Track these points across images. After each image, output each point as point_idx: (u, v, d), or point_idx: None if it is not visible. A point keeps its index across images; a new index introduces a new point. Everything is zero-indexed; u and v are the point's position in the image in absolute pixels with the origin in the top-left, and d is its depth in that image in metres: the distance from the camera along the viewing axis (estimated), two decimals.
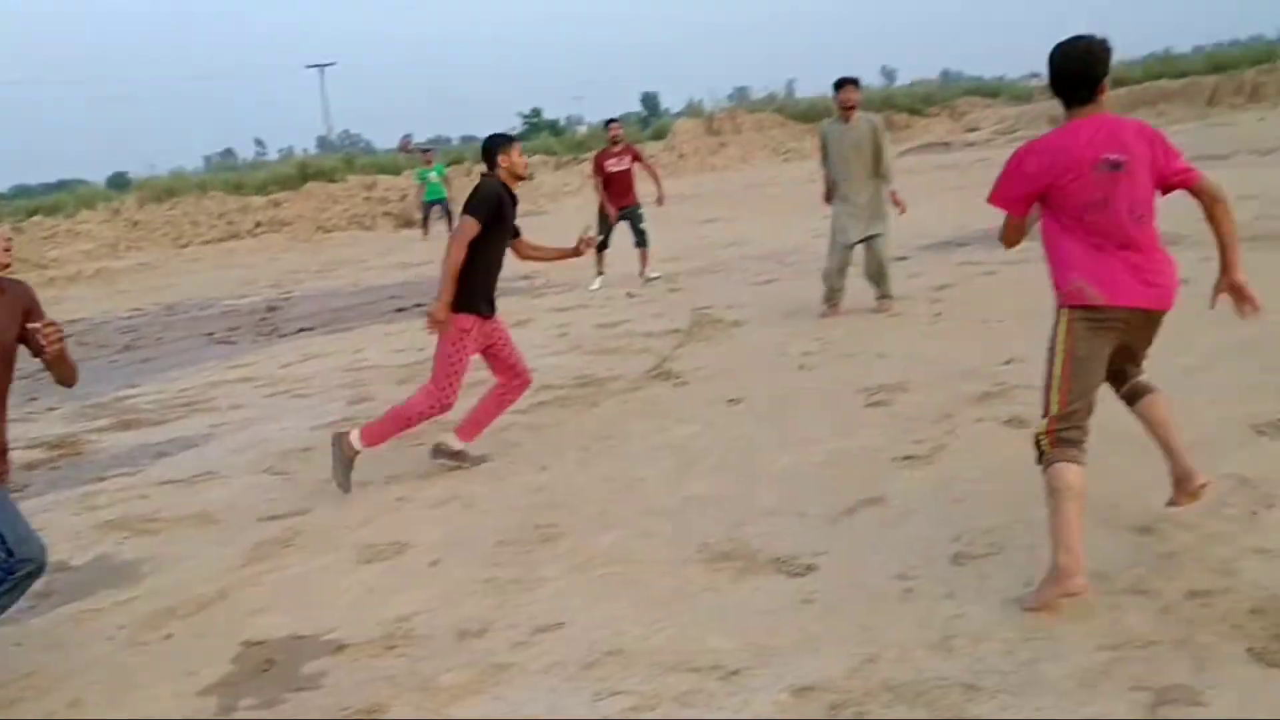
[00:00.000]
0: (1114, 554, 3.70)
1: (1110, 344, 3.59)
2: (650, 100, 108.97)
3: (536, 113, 59.36)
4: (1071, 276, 3.57)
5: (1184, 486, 3.71)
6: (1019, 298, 8.26)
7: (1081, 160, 3.45)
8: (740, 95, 59.33)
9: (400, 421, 5.50)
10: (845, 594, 3.70)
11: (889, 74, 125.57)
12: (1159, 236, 3.55)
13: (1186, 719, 2.77)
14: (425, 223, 22.87)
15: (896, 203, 8.55)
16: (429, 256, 18.31)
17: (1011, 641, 3.23)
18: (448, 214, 22.98)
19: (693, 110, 42.92)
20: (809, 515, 4.43)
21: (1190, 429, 4.69)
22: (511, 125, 56.70)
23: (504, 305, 5.85)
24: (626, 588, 4.00)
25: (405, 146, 44.00)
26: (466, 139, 60.50)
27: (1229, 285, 3.57)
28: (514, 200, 5.58)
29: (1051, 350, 3.62)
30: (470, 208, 5.44)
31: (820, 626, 3.50)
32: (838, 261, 8.54)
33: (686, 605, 3.79)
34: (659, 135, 40.54)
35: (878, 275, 8.65)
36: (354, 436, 5.41)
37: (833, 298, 8.61)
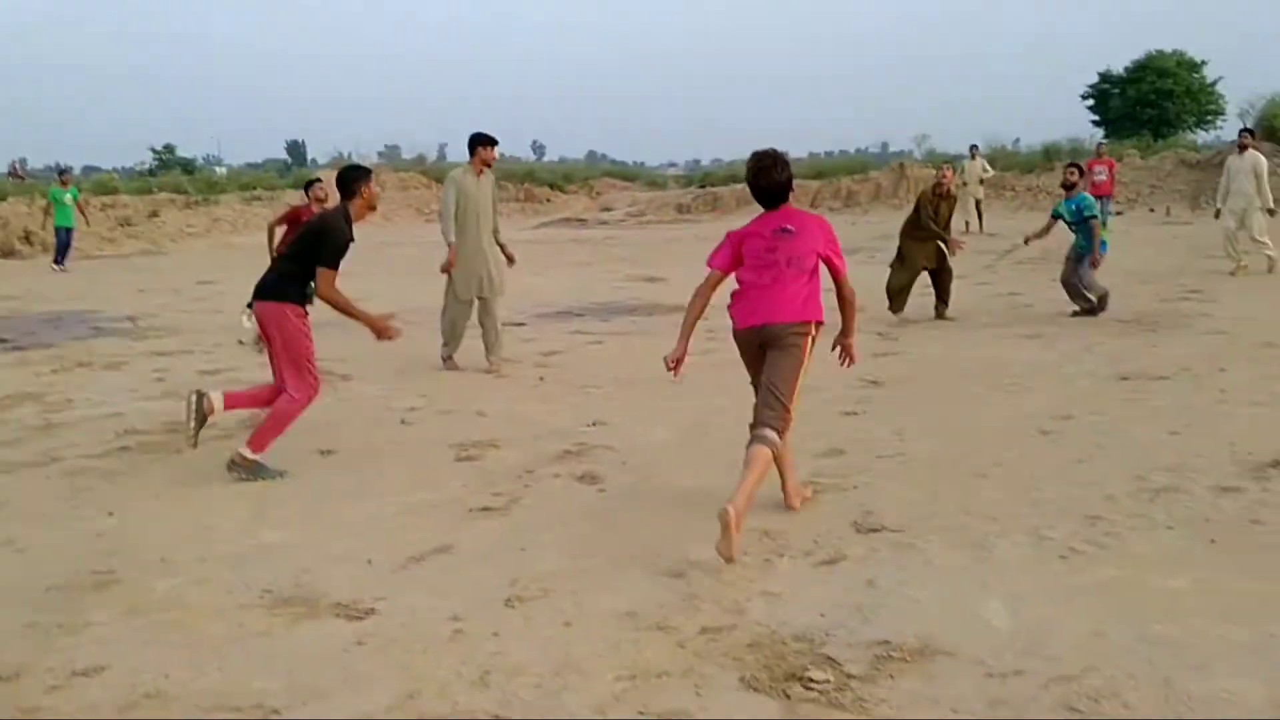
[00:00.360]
0: (647, 594, 4.08)
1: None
2: (295, 148, 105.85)
3: (170, 149, 55.96)
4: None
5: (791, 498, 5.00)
6: (619, 367, 8.86)
7: (762, 231, 4.86)
8: (391, 154, 59.03)
9: (285, 421, 5.86)
10: (398, 635, 3.82)
11: (538, 149, 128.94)
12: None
13: None
14: (63, 252, 20.97)
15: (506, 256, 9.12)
16: (23, 290, 16.81)
17: (543, 675, 3.47)
18: (68, 245, 21.22)
19: (336, 163, 42.20)
20: (378, 562, 4.52)
21: (724, 492, 5.27)
22: (141, 160, 53.27)
23: (100, 347, 5.57)
24: (177, 632, 3.90)
25: (15, 172, 40.29)
26: (89, 169, 56.18)
27: (844, 343, 5.10)
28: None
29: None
30: (329, 258, 5.94)
31: (369, 666, 3.60)
32: (455, 315, 8.87)
33: (238, 649, 3.76)
34: (298, 184, 39.54)
35: (490, 337, 8.98)
36: (244, 450, 5.72)
37: (451, 349, 8.92)
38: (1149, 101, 48.57)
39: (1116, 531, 4.55)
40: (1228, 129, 47.30)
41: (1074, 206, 10.93)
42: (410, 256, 22.01)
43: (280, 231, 11.00)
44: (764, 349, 4.83)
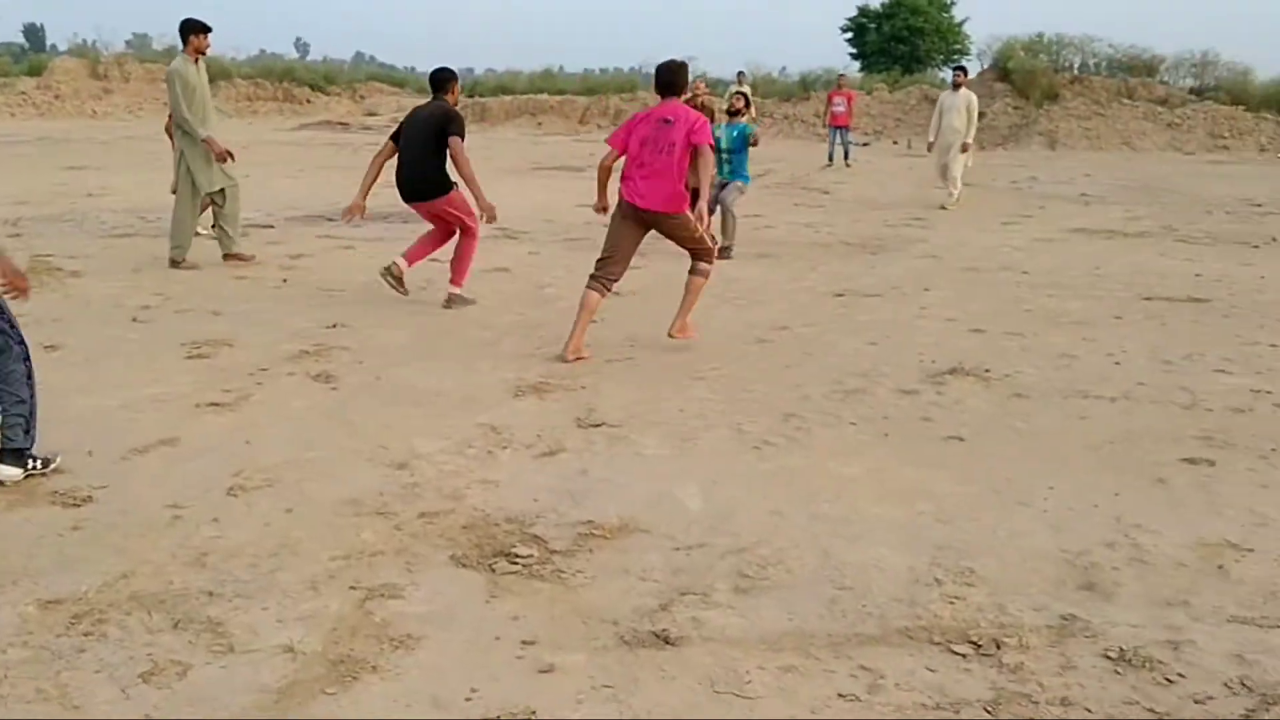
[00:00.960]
0: (371, 484, 4.26)
1: (632, 225, 6.35)
2: (33, 32, 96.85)
3: None
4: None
5: (674, 328, 6.56)
6: (366, 271, 8.85)
7: (650, 119, 6.26)
8: (140, 43, 54.81)
9: (470, 261, 7.83)
10: (116, 521, 3.86)
11: (302, 47, 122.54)
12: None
13: (389, 611, 3.34)
14: None
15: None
16: None
17: (259, 556, 3.62)
18: None
19: (79, 50, 39.01)
20: (99, 453, 4.50)
21: (465, 389, 5.49)
22: None
23: None
24: None
25: None
26: None
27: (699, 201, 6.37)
28: None
29: None
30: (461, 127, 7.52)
31: (83, 550, 3.64)
32: (187, 212, 8.67)
33: None
34: (35, 71, 36.33)
35: (232, 227, 8.90)
36: (452, 289, 7.73)
37: (184, 249, 8.80)
38: (901, 38, 50.98)
39: (807, 427, 5.07)
40: (970, 68, 50.36)
41: (735, 134, 10.75)
42: (154, 151, 20.80)
43: None
44: (645, 224, 6.36)
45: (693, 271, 6.54)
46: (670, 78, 6.37)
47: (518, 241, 11.02)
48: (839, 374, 5.98)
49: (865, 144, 29.52)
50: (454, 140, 7.28)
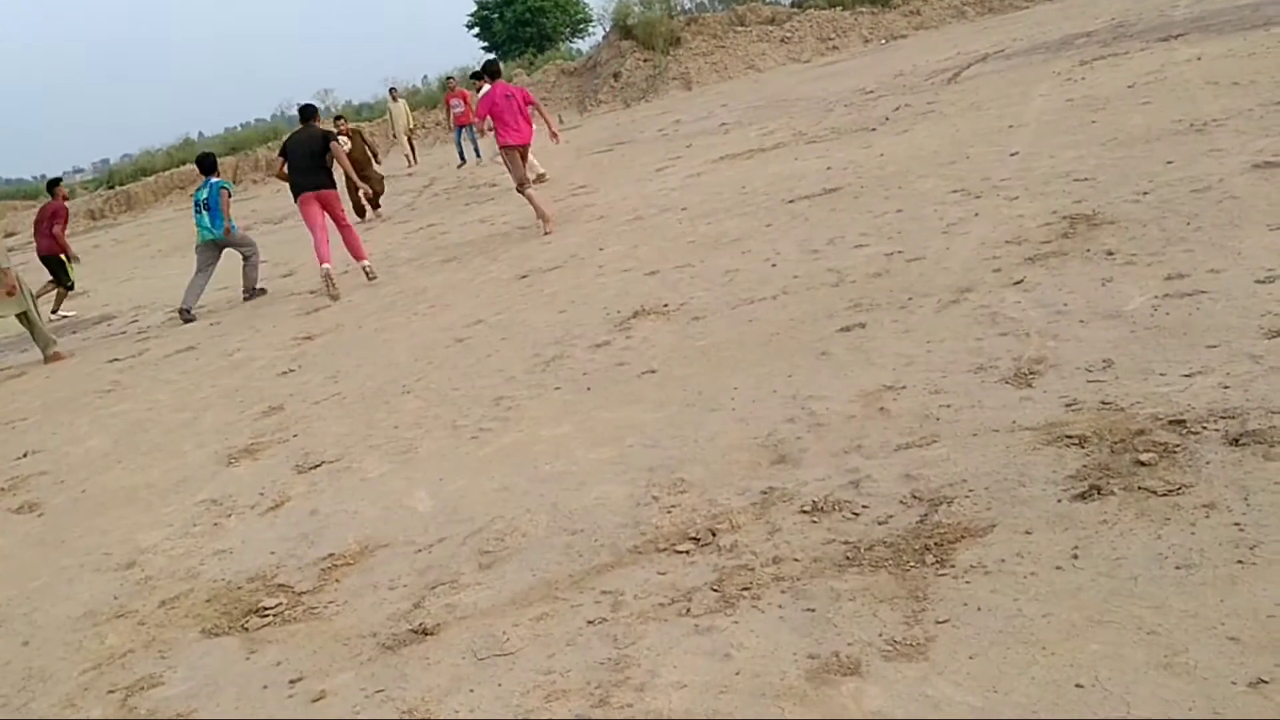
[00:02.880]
0: (102, 591, 4.20)
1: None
2: None
3: None
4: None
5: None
6: (50, 390, 8.41)
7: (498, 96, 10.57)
8: None
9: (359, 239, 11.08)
10: None
11: None
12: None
13: (153, 700, 3.36)
14: None
15: None
16: None
17: (7, 695, 3.54)
18: None
19: None
20: None
21: (177, 474, 5.42)
22: None
23: None
24: None
25: None
26: None
27: (553, 134, 11.44)
28: None
29: None
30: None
31: None
32: None
33: None
34: None
35: None
36: (365, 266, 10.61)
37: None
38: (526, 21, 52.00)
39: (517, 404, 5.34)
40: (598, 34, 52.08)
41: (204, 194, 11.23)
42: None
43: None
44: (519, 153, 10.93)
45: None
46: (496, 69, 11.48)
47: (197, 324, 10.69)
48: (536, 348, 6.29)
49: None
50: (334, 144, 10.51)
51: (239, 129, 54.31)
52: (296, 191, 10.45)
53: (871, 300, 5.69)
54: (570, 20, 54.29)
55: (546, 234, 10.52)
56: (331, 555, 4.06)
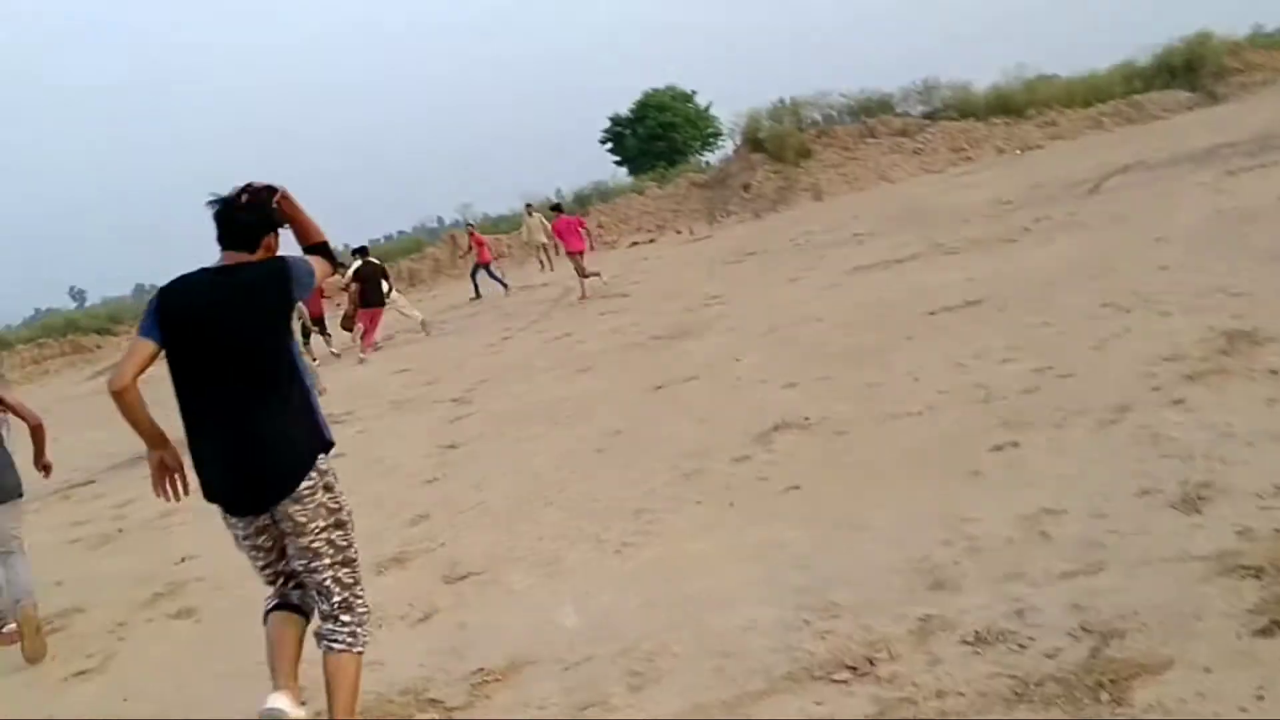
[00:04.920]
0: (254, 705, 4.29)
1: None
2: None
3: None
4: None
5: None
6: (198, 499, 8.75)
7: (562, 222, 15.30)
8: None
9: None
10: None
11: (78, 295, 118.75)
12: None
13: None
14: None
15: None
16: None
17: None
18: None
19: None
20: None
21: None
22: None
23: None
24: None
25: None
26: None
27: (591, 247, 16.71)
28: None
29: None
30: None
31: None
32: None
33: None
34: None
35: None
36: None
37: None
38: (657, 135, 53.36)
39: (658, 518, 5.34)
40: (729, 147, 53.10)
41: None
42: None
43: None
44: (578, 256, 17.21)
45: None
46: None
47: (342, 423, 11.04)
48: (676, 460, 6.30)
49: (651, 240, 30.67)
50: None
51: (382, 241, 56.78)
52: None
53: (1023, 418, 5.55)
54: (700, 134, 55.45)
55: (581, 298, 17.50)
56: (481, 670, 4.08)
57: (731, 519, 5.10)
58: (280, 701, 3.51)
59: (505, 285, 23.82)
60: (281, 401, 3.59)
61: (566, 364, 11.45)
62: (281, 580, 3.80)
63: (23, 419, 5.88)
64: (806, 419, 6.50)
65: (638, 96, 54.61)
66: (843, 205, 26.37)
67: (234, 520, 3.73)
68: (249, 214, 3.67)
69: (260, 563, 3.78)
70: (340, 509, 3.68)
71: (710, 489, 5.61)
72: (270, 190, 3.76)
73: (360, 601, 3.73)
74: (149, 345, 3.51)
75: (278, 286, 3.60)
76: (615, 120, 55.33)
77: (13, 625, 5.69)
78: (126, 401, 3.53)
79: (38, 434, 5.84)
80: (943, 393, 6.41)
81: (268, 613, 3.80)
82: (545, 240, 28.44)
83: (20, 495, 5.86)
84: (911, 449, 5.47)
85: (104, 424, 9.23)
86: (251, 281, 3.59)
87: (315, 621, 3.76)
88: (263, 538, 3.70)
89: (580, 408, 8.71)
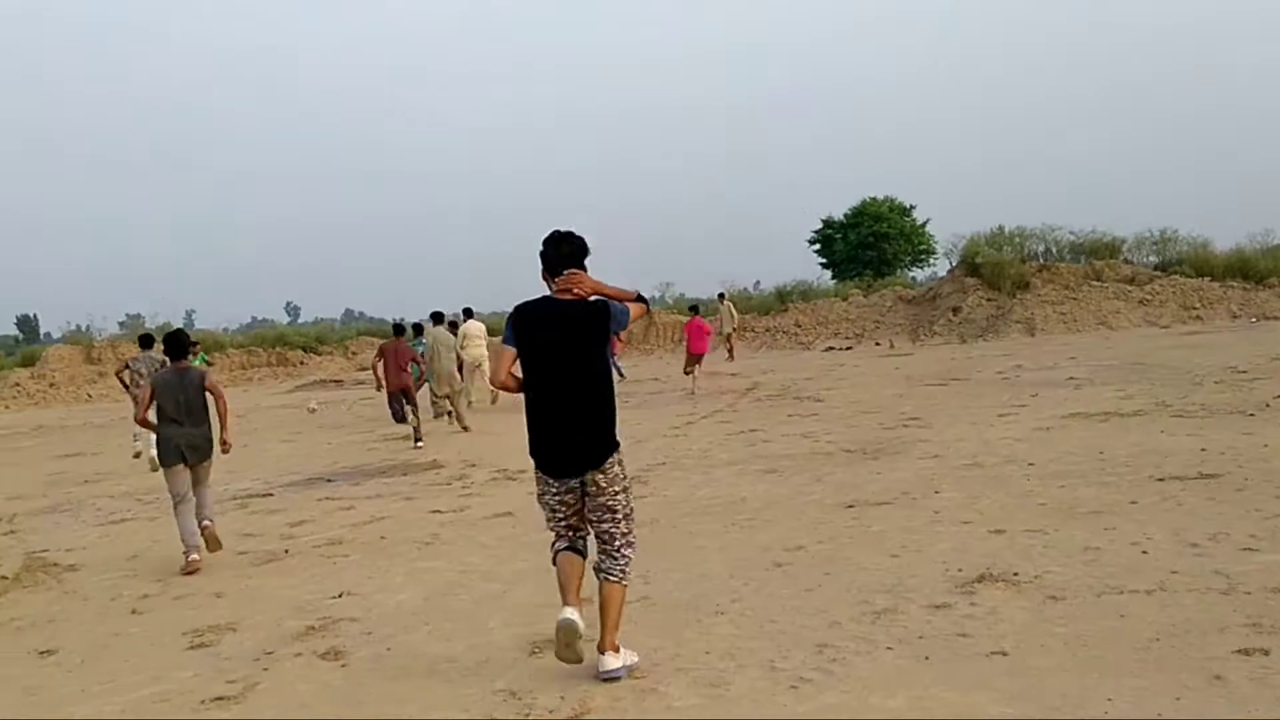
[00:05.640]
0: None
1: None
2: (27, 323, 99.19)
3: None
4: None
5: None
6: (369, 532, 8.71)
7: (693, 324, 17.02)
8: (134, 323, 56.02)
9: None
10: None
11: (293, 310, 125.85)
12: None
13: None
14: None
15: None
16: None
17: None
18: None
19: (73, 337, 39.62)
20: None
21: (479, 652, 5.25)
22: None
23: None
24: None
25: None
26: None
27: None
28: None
29: None
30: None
31: None
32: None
33: None
34: (28, 362, 36.87)
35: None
36: None
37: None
38: (868, 244, 52.78)
39: (842, 656, 4.83)
40: (939, 266, 51.98)
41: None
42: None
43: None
44: (697, 359, 19.59)
45: None
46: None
47: (517, 482, 10.92)
48: (865, 593, 5.78)
49: (848, 348, 30.03)
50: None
51: None
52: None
53: (1274, 621, 4.82)
54: (912, 249, 54.59)
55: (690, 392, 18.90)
56: None
57: (926, 676, 4.55)
58: (573, 614, 4.74)
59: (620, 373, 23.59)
60: (600, 404, 4.94)
61: (749, 462, 11.03)
62: (569, 530, 5.01)
63: (216, 398, 8.25)
64: (1015, 574, 5.88)
65: (854, 203, 54.29)
66: (1056, 344, 25.16)
67: (551, 481, 4.95)
68: (578, 254, 5.04)
69: (559, 514, 4.99)
70: (627, 481, 5.05)
71: (902, 636, 5.07)
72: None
73: (631, 548, 5.05)
74: (511, 351, 5.04)
75: (604, 320, 4.95)
76: (828, 223, 55.09)
77: (195, 556, 7.84)
78: (508, 388, 5.10)
79: (224, 414, 8.28)
80: (1175, 573, 5.70)
81: (557, 553, 5.02)
82: (733, 330, 28.50)
83: (211, 456, 8.34)
84: (1139, 634, 4.81)
85: (293, 438, 9.36)
86: (585, 312, 4.95)
87: (593, 559, 5.04)
88: (570, 496, 4.94)
89: (761, 512, 8.27)
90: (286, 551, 8.27)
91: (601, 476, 4.87)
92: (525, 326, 4.97)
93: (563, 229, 5.09)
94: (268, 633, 5.96)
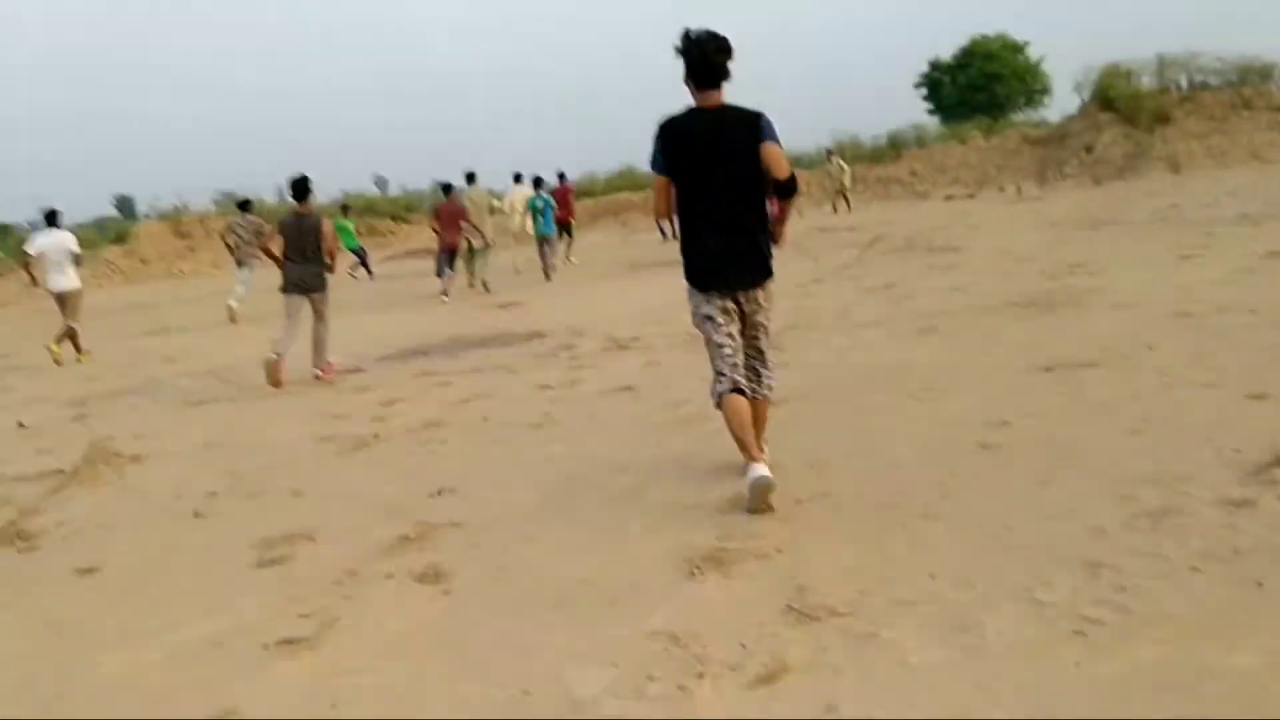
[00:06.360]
0: None
1: None
2: (125, 203, 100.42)
3: None
4: None
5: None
6: (468, 412, 7.53)
7: None
8: (226, 199, 55.67)
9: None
10: None
11: (381, 183, 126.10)
12: None
13: None
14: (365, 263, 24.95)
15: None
16: None
17: None
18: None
19: (160, 213, 39.15)
20: None
21: (621, 572, 4.01)
22: None
23: None
24: None
25: None
26: None
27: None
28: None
29: None
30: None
31: None
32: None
33: None
34: (120, 239, 36.55)
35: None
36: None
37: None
38: (979, 86, 49.62)
39: (1133, 583, 3.44)
40: (1054, 107, 48.73)
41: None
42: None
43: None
44: None
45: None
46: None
47: (630, 352, 9.63)
48: (1122, 485, 4.35)
49: (970, 195, 27.91)
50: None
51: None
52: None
53: None
54: (1026, 90, 51.30)
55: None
56: None
57: (1274, 613, 3.15)
58: (764, 470, 4.46)
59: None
60: (759, 218, 4.74)
61: (898, 320, 9.55)
62: (734, 354, 4.74)
63: (325, 241, 9.84)
64: None
65: (962, 42, 50.96)
66: (1206, 180, 22.79)
67: (713, 295, 4.73)
68: (722, 56, 4.58)
69: (721, 329, 4.73)
70: (773, 301, 4.88)
71: (1206, 548, 3.65)
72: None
73: (772, 362, 5.01)
74: (665, 180, 4.75)
75: (757, 128, 4.61)
76: (935, 65, 51.93)
77: (273, 356, 9.46)
78: (664, 217, 5.27)
79: (332, 254, 9.93)
80: None
81: (722, 396, 4.70)
82: (847, 184, 26.95)
83: (324, 289, 9.92)
84: None
85: (385, 309, 8.19)
86: (739, 119, 4.63)
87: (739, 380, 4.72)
88: (730, 309, 4.74)
89: (934, 380, 6.83)
90: (376, 436, 7.12)
91: (761, 293, 4.80)
92: (678, 146, 4.69)
93: (704, 28, 4.61)
94: (352, 544, 4.77)
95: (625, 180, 38.50)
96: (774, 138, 4.60)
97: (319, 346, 9.83)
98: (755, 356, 4.89)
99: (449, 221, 16.78)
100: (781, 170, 4.60)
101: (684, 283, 4.89)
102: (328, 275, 9.94)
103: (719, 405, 4.73)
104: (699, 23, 4.60)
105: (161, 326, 17.13)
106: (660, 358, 9.12)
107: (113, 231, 39.38)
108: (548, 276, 18.16)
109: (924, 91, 52.49)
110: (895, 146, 34.54)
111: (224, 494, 6.02)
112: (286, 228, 9.83)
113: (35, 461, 7.47)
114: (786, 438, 5.57)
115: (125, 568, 4.84)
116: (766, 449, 4.89)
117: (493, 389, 8.43)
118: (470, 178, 19.06)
